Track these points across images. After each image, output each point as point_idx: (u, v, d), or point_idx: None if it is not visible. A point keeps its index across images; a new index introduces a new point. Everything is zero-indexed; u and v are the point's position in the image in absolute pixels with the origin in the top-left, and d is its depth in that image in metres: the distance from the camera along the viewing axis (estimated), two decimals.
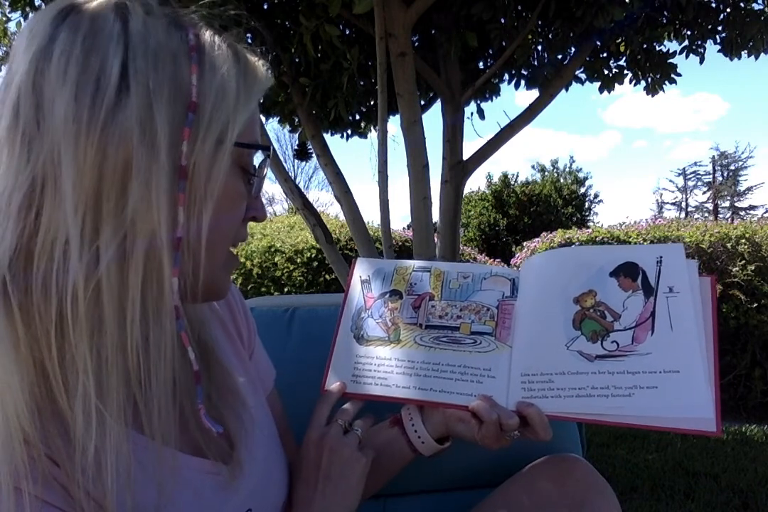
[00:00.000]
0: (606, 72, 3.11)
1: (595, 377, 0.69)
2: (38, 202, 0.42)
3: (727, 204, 25.92)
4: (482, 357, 0.75)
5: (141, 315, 0.44)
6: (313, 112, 2.99)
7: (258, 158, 0.54)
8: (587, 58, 2.99)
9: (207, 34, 0.49)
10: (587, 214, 16.61)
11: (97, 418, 0.42)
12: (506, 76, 3.18)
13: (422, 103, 3.02)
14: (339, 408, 0.73)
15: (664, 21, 2.92)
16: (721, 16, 2.86)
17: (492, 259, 6.28)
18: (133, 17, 0.45)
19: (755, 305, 3.58)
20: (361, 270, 0.86)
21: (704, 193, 26.61)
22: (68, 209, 0.42)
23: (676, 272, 0.72)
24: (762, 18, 2.79)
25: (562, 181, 16.72)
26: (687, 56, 3.03)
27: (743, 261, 3.70)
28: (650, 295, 0.72)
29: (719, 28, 2.91)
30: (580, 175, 17.36)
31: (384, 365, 0.77)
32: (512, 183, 15.70)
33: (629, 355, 0.69)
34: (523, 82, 3.15)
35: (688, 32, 2.98)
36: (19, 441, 0.42)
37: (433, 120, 4.18)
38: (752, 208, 24.89)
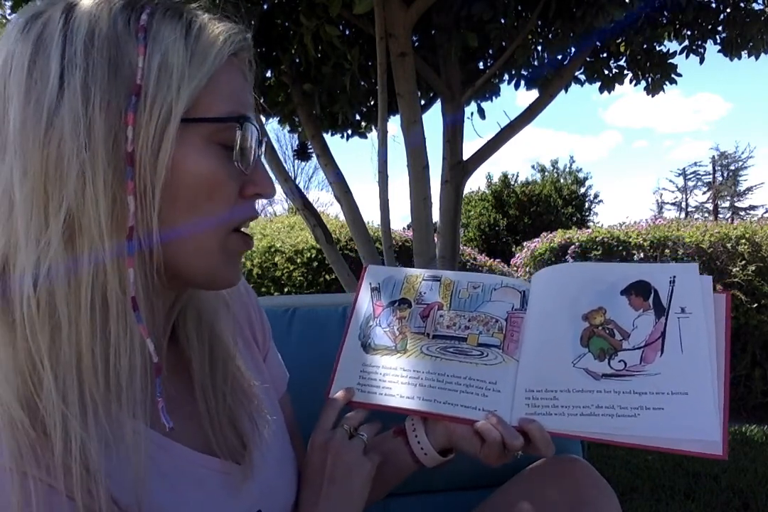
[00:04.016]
0: (606, 72, 3.11)
1: (601, 396, 0.68)
2: (11, 209, 0.44)
3: (727, 204, 25.93)
4: (488, 370, 0.74)
5: (99, 312, 0.44)
6: (313, 112, 2.99)
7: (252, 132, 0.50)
8: (587, 59, 2.99)
9: (162, 11, 0.47)
10: (587, 214, 16.60)
11: (61, 417, 0.42)
12: (506, 76, 3.18)
13: (422, 102, 3.02)
14: (345, 415, 0.73)
15: (664, 21, 2.92)
16: (721, 16, 2.86)
17: (492, 259, 6.27)
18: (76, 11, 0.45)
19: (755, 305, 3.58)
20: (371, 277, 0.85)
21: (704, 193, 26.63)
22: (20, 213, 0.43)
23: (689, 293, 0.70)
24: (762, 18, 2.79)
25: (562, 181, 16.72)
26: (687, 56, 3.03)
27: (743, 262, 3.70)
28: (661, 315, 0.70)
29: (719, 28, 2.91)
30: (580, 175, 17.36)
31: (390, 375, 0.76)
32: (512, 183, 15.70)
33: (637, 375, 0.68)
34: (523, 82, 3.15)
35: (688, 32, 2.98)
36: (18, 427, 0.42)
37: (433, 120, 4.18)
38: (752, 208, 24.89)
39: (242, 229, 0.53)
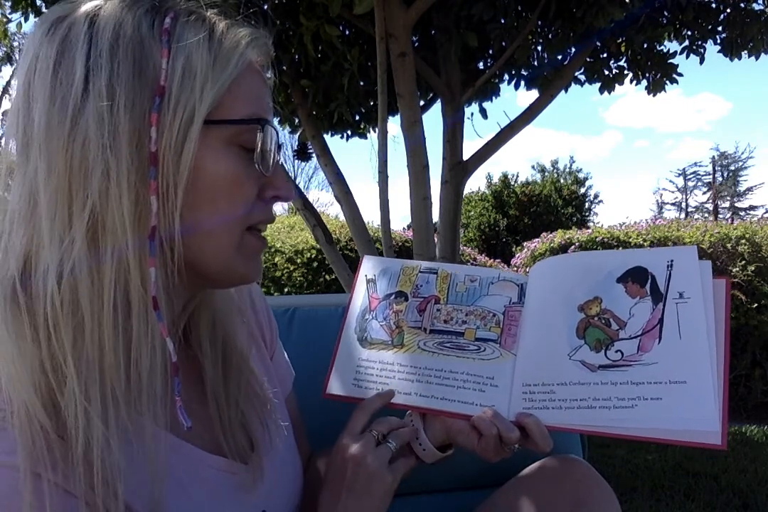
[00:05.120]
0: (606, 72, 3.12)
1: (598, 388, 0.67)
2: (35, 208, 0.44)
3: (727, 204, 25.93)
4: (486, 365, 0.73)
5: (121, 311, 0.45)
6: (314, 112, 2.99)
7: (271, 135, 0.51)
8: (587, 59, 2.99)
9: (185, 15, 0.48)
10: (587, 214, 16.59)
11: (83, 415, 0.42)
12: (506, 76, 3.18)
13: (422, 103, 3.02)
14: (378, 419, 0.70)
15: (664, 21, 2.92)
16: (721, 16, 2.87)
17: (492, 260, 6.27)
18: (101, 14, 0.46)
19: (755, 305, 3.58)
20: (367, 268, 0.84)
21: (704, 193, 26.64)
22: (44, 212, 0.43)
23: (687, 277, 0.68)
24: (762, 18, 2.80)
25: (562, 181, 16.72)
26: (687, 56, 3.03)
27: (743, 262, 3.70)
28: (659, 301, 0.68)
29: (719, 28, 2.91)
30: (580, 175, 17.36)
31: (386, 370, 0.76)
32: (512, 183, 15.69)
33: (634, 365, 0.66)
34: (523, 82, 3.15)
35: (689, 32, 2.99)
36: (37, 427, 0.42)
37: (433, 120, 4.18)
38: (752, 208, 24.89)
39: (258, 227, 0.54)
